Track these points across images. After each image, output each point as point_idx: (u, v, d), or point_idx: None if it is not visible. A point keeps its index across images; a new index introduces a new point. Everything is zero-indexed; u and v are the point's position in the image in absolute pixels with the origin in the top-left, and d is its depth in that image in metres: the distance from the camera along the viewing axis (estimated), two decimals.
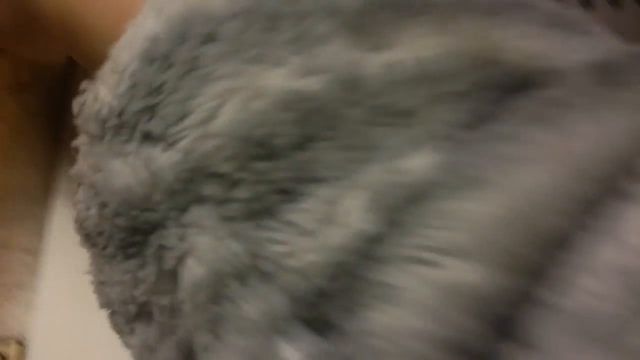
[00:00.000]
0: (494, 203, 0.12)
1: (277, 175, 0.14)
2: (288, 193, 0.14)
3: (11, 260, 0.33)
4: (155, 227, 0.15)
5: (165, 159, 0.15)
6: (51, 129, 0.37)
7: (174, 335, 0.16)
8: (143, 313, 0.17)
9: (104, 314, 0.30)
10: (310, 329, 0.13)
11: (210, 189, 0.14)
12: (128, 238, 0.16)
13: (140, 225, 0.16)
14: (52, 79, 0.37)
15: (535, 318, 0.12)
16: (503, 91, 0.14)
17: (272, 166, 0.14)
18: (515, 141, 0.13)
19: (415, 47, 0.14)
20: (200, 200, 0.15)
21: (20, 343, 0.31)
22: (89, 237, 0.17)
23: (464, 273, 0.12)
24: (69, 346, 0.30)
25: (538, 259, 0.12)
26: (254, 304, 0.14)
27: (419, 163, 0.13)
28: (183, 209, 0.15)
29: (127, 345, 0.19)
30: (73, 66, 0.36)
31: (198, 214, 0.15)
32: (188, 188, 0.15)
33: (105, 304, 0.19)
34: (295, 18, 0.15)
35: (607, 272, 0.11)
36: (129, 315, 0.17)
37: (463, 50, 0.14)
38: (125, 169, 0.15)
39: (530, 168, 0.12)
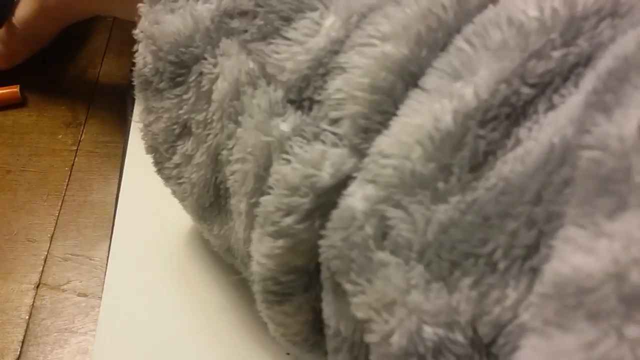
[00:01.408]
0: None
1: (282, 7, 0.20)
2: (288, 19, 0.20)
3: (65, 304, 0.33)
4: (196, 59, 0.22)
5: (203, 8, 0.22)
6: (106, 165, 0.37)
7: (206, 143, 0.22)
8: (184, 130, 0.23)
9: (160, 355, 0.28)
10: (296, 108, 0.20)
11: (236, 23, 0.21)
12: (176, 70, 0.23)
13: (186, 59, 0.22)
14: (107, 116, 0.38)
15: None
16: None
17: (278, 0, 0.20)
18: None
19: None
20: (228, 33, 0.21)
21: None
22: (146, 81, 0.24)
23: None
24: None
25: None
26: (261, 98, 0.20)
27: None
28: (216, 44, 0.22)
29: (167, 171, 0.25)
30: (129, 104, 0.37)
31: (226, 44, 0.21)
32: (219, 26, 0.21)
33: (150, 147, 0.25)
34: None
35: None
36: (172, 138, 0.24)
37: None
38: (175, 19, 0.22)
39: None
